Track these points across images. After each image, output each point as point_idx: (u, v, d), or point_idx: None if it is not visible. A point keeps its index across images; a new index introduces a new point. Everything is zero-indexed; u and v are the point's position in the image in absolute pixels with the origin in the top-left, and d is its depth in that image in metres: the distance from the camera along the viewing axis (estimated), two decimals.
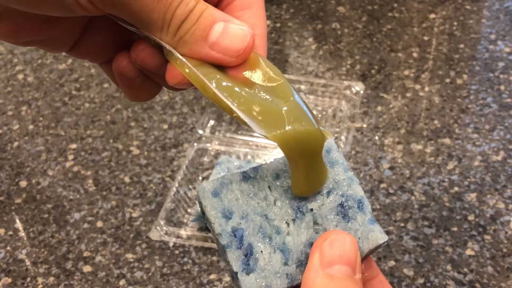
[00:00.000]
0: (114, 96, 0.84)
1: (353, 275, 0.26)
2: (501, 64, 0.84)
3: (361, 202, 0.30)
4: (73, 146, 0.77)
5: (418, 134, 0.74)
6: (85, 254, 0.64)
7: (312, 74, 0.85)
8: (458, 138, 0.73)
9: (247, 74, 0.28)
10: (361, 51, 0.88)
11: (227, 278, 0.61)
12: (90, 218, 0.68)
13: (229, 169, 0.68)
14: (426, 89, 0.81)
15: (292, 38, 0.92)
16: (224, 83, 0.27)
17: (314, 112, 0.80)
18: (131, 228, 0.66)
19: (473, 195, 0.66)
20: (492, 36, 0.89)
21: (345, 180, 0.30)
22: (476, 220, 0.64)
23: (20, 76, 0.89)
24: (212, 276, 0.61)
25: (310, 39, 0.91)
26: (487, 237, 0.62)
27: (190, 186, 0.69)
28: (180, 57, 0.28)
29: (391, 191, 0.68)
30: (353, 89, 0.79)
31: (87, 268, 0.63)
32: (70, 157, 0.75)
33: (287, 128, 0.27)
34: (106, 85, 0.86)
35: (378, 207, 0.66)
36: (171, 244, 0.64)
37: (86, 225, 0.67)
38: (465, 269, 0.60)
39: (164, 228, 0.63)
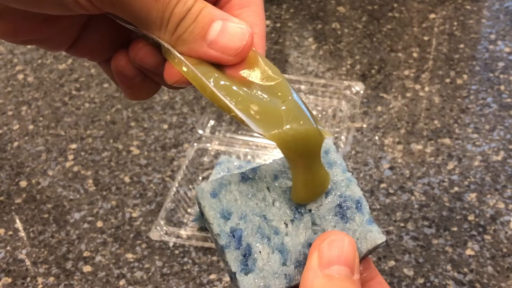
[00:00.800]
0: (114, 96, 0.84)
1: (351, 275, 0.26)
2: (501, 64, 0.84)
3: (359, 202, 0.30)
4: (73, 146, 0.77)
5: (418, 134, 0.74)
6: (85, 254, 0.64)
7: (312, 74, 0.85)
8: (458, 138, 0.73)
9: (245, 72, 0.28)
10: (361, 51, 0.88)
11: (227, 278, 0.61)
12: (90, 218, 0.68)
13: (229, 169, 0.68)
14: (426, 89, 0.81)
15: (292, 38, 0.92)
16: (222, 82, 0.27)
17: (314, 112, 0.80)
18: (131, 228, 0.66)
19: (473, 195, 0.66)
20: (492, 36, 0.89)
21: (343, 181, 0.30)
22: (476, 220, 0.64)
23: (20, 76, 0.90)
24: (212, 276, 0.61)
25: (310, 39, 0.91)
26: (487, 237, 0.62)
27: (190, 186, 0.69)
28: (179, 55, 0.28)
29: (391, 191, 0.68)
30: (353, 89, 0.79)
31: (87, 268, 0.63)
32: (70, 157, 0.75)
33: (285, 127, 0.26)
34: (106, 85, 0.86)
35: (378, 207, 0.66)
36: (171, 244, 0.64)
37: (86, 225, 0.67)
38: (465, 269, 0.60)
39: (164, 228, 0.63)
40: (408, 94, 0.80)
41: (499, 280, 0.58)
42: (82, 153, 0.76)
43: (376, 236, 0.29)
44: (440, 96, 0.79)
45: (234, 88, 0.27)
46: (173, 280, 0.61)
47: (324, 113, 0.79)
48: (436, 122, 0.76)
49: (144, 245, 0.64)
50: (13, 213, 0.69)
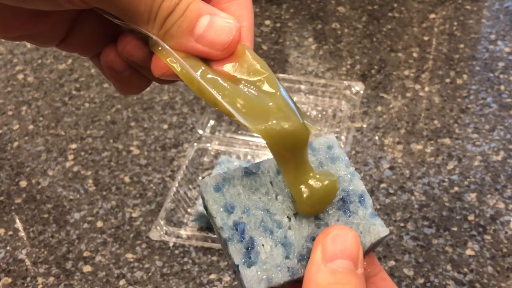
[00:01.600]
0: (114, 96, 0.84)
1: (355, 269, 0.26)
2: (501, 64, 0.84)
3: (362, 196, 0.30)
4: (73, 146, 0.77)
5: (418, 134, 0.74)
6: (85, 254, 0.64)
7: (312, 74, 0.85)
8: (458, 138, 0.73)
9: (233, 67, 0.28)
10: (361, 51, 0.88)
11: (227, 278, 0.61)
12: (90, 218, 0.68)
13: (229, 169, 0.68)
14: (426, 89, 0.81)
15: (292, 38, 0.92)
16: (209, 75, 0.27)
17: (314, 112, 0.80)
18: (131, 228, 0.66)
19: (473, 195, 0.66)
20: (492, 36, 0.89)
21: (346, 176, 0.30)
22: (476, 220, 0.64)
23: (20, 76, 0.89)
24: (212, 276, 0.61)
25: (310, 39, 0.91)
26: (487, 237, 0.62)
27: (190, 186, 0.69)
28: (167, 47, 0.28)
29: (391, 191, 0.68)
30: (353, 89, 0.79)
31: (87, 268, 0.63)
32: (70, 157, 0.75)
33: (271, 121, 0.27)
34: (106, 85, 0.86)
35: (378, 207, 0.66)
36: (171, 244, 0.64)
37: (86, 225, 0.67)
38: (465, 269, 0.60)
39: (164, 228, 0.63)
40: (408, 94, 0.80)
41: (499, 280, 0.58)
42: (82, 153, 0.76)
43: (380, 229, 0.30)
44: (440, 96, 0.79)
45: (221, 82, 0.27)
46: (173, 280, 0.61)
47: (324, 113, 0.79)
48: (436, 122, 0.76)
49: (144, 245, 0.64)
50: (13, 213, 0.69)
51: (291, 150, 0.28)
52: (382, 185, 0.68)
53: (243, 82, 0.28)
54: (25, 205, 0.70)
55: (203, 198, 0.30)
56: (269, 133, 0.26)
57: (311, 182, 0.29)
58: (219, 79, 0.27)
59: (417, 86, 0.81)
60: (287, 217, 0.29)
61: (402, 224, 0.64)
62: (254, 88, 0.28)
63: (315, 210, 0.29)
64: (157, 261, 0.63)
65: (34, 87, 0.87)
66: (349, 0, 0.98)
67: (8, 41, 0.96)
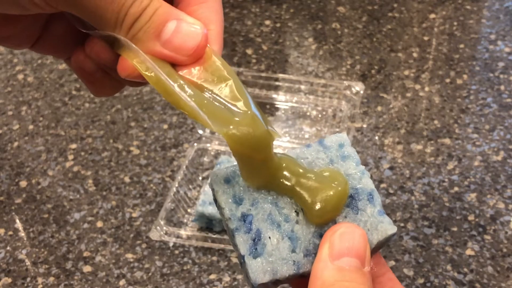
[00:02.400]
0: (114, 96, 0.84)
1: (362, 267, 0.26)
2: (501, 64, 0.84)
3: (371, 194, 0.30)
4: (73, 146, 0.77)
5: (418, 134, 0.74)
6: (85, 254, 0.64)
7: (312, 74, 0.85)
8: (458, 138, 0.73)
9: (199, 72, 0.28)
10: (361, 51, 0.88)
11: (227, 278, 0.61)
12: (90, 218, 0.68)
13: None
14: (426, 89, 0.81)
15: (292, 38, 0.92)
16: (175, 78, 0.27)
17: (314, 112, 0.80)
18: (131, 228, 0.66)
19: (473, 195, 0.66)
20: (492, 36, 0.89)
21: (356, 174, 0.31)
22: (476, 220, 0.64)
23: (20, 76, 0.90)
24: (212, 276, 0.61)
25: (310, 39, 0.91)
26: (487, 237, 0.62)
27: (190, 186, 0.69)
28: (134, 46, 0.28)
29: (391, 191, 0.68)
30: (353, 89, 0.79)
31: (87, 268, 0.63)
32: (70, 157, 0.75)
33: (236, 126, 0.27)
34: None
35: None
36: (171, 244, 0.64)
37: (86, 225, 0.67)
38: (465, 269, 0.60)
39: (164, 228, 0.63)
40: (408, 94, 0.80)
41: (499, 280, 0.58)
42: (82, 153, 0.76)
43: (387, 227, 0.30)
44: (440, 96, 0.79)
45: (187, 85, 0.28)
46: (173, 280, 0.61)
47: (324, 113, 0.79)
48: (436, 122, 0.76)
49: (144, 245, 0.64)
50: (13, 213, 0.69)
51: (253, 154, 0.28)
52: (382, 185, 0.68)
53: (208, 87, 0.28)
54: (25, 205, 0.70)
55: (213, 190, 0.30)
56: (233, 137, 0.27)
57: (317, 190, 0.29)
58: (184, 83, 0.28)
59: (417, 86, 0.81)
60: (295, 211, 0.29)
61: (402, 224, 0.64)
62: (219, 93, 0.28)
63: (324, 219, 0.29)
64: (157, 261, 0.63)
65: (34, 87, 0.87)
66: (349, 0, 0.98)
67: None
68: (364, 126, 0.76)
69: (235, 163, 0.30)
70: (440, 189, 0.67)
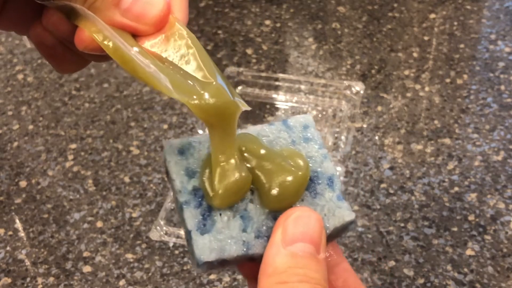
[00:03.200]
0: (114, 96, 0.84)
1: (316, 254, 0.25)
2: (501, 64, 0.84)
3: (331, 179, 0.29)
4: (73, 146, 0.77)
5: (418, 134, 0.74)
6: (85, 254, 0.64)
7: (312, 74, 0.85)
8: (458, 138, 0.73)
9: (162, 43, 0.27)
10: (361, 51, 0.88)
11: (227, 279, 0.61)
12: (90, 218, 0.68)
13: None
14: (426, 89, 0.81)
15: (292, 38, 0.92)
16: (136, 48, 0.26)
17: (314, 112, 0.80)
18: (131, 228, 0.66)
19: (473, 195, 0.66)
20: (493, 36, 0.89)
21: (318, 157, 0.29)
22: (476, 220, 0.64)
23: (20, 76, 0.89)
24: (212, 276, 0.61)
25: (310, 39, 0.91)
26: (487, 237, 0.62)
27: None
28: (91, 14, 0.26)
29: (391, 191, 0.68)
30: (353, 89, 0.78)
31: (87, 268, 0.63)
32: (70, 157, 0.75)
33: (198, 96, 0.25)
34: (106, 85, 0.86)
35: (378, 207, 0.66)
36: (171, 244, 0.64)
37: (86, 225, 0.67)
38: (465, 269, 0.60)
39: (164, 228, 0.63)
40: (408, 94, 0.80)
41: (499, 280, 0.58)
42: (82, 153, 0.76)
43: (345, 213, 0.28)
44: (440, 96, 0.79)
45: (148, 55, 0.26)
46: (173, 280, 0.61)
47: (324, 113, 0.79)
48: (436, 122, 0.76)
49: (144, 245, 0.64)
50: (13, 213, 0.69)
51: (220, 125, 0.26)
52: (382, 185, 0.68)
53: (171, 58, 0.27)
54: (24, 205, 0.70)
55: (165, 160, 0.28)
56: (197, 106, 0.25)
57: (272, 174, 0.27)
58: (146, 53, 0.26)
59: (417, 86, 0.81)
60: (250, 189, 0.28)
61: (402, 224, 0.64)
62: (183, 64, 0.27)
63: (280, 206, 0.27)
64: (157, 261, 0.63)
65: (34, 87, 0.87)
66: (349, 0, 0.98)
67: (8, 41, 0.96)
68: (364, 126, 0.76)
69: (198, 136, 0.29)
70: (440, 189, 0.67)
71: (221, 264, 0.27)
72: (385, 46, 0.89)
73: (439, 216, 0.65)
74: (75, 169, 0.74)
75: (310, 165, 0.29)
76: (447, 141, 0.73)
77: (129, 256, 0.64)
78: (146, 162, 0.73)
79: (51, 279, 0.62)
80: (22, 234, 0.67)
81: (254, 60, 0.88)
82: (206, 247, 0.26)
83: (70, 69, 0.31)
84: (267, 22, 0.95)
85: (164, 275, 0.62)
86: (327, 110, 0.79)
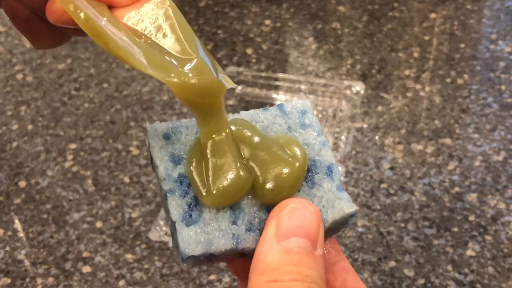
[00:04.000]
0: (113, 96, 0.84)
1: (312, 250, 0.23)
2: (502, 64, 0.83)
3: (330, 168, 0.27)
4: (73, 146, 0.77)
5: (419, 134, 0.74)
6: (85, 254, 0.64)
7: (312, 74, 0.85)
8: (459, 138, 0.73)
9: (139, 14, 0.25)
10: (362, 51, 0.88)
11: (227, 279, 0.61)
12: (89, 219, 0.67)
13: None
14: (427, 89, 0.81)
15: (292, 38, 0.92)
16: (111, 20, 0.24)
17: (314, 112, 0.80)
18: (130, 229, 0.66)
19: (474, 195, 0.66)
20: (493, 36, 0.88)
21: (316, 144, 0.27)
22: (476, 220, 0.64)
23: (19, 76, 0.89)
24: (212, 277, 0.61)
25: (310, 39, 0.91)
26: (487, 237, 0.62)
27: None
28: None
29: (391, 191, 0.67)
30: (353, 89, 0.78)
31: (86, 269, 0.63)
32: (70, 157, 0.75)
33: (177, 74, 0.23)
34: (105, 85, 0.86)
35: (378, 207, 0.66)
36: (170, 245, 0.64)
37: (85, 226, 0.67)
38: (466, 270, 0.59)
39: (164, 228, 0.63)
40: (409, 94, 0.80)
41: (499, 281, 0.58)
42: (82, 153, 0.76)
43: (345, 204, 0.26)
44: (441, 96, 0.79)
45: (124, 29, 0.24)
46: (173, 280, 0.61)
47: (324, 113, 0.79)
48: (436, 122, 0.76)
49: (143, 246, 0.64)
50: (12, 214, 0.69)
51: (203, 107, 0.24)
52: (383, 185, 0.68)
53: (150, 32, 0.25)
54: (24, 206, 0.70)
55: (148, 145, 0.26)
56: (178, 86, 0.23)
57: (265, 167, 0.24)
58: (120, 25, 0.24)
59: (418, 86, 0.81)
60: None
61: (402, 225, 0.64)
62: (162, 38, 0.24)
63: (275, 201, 0.25)
64: (156, 261, 0.63)
65: (33, 87, 0.87)
66: (350, 0, 0.98)
67: (7, 41, 0.96)
68: (365, 126, 0.76)
69: (185, 120, 0.26)
70: (440, 189, 0.67)
71: (208, 259, 0.25)
72: (386, 46, 0.89)
73: (440, 216, 0.64)
74: (74, 169, 0.74)
75: (308, 153, 0.27)
76: (447, 141, 0.73)
77: (129, 256, 0.63)
78: (146, 162, 0.73)
79: (51, 279, 0.62)
80: (21, 234, 0.67)
81: (254, 60, 0.88)
82: (192, 240, 0.24)
83: (47, 43, 0.29)
84: (267, 22, 0.95)
85: (163, 275, 0.61)
86: (327, 110, 0.79)
